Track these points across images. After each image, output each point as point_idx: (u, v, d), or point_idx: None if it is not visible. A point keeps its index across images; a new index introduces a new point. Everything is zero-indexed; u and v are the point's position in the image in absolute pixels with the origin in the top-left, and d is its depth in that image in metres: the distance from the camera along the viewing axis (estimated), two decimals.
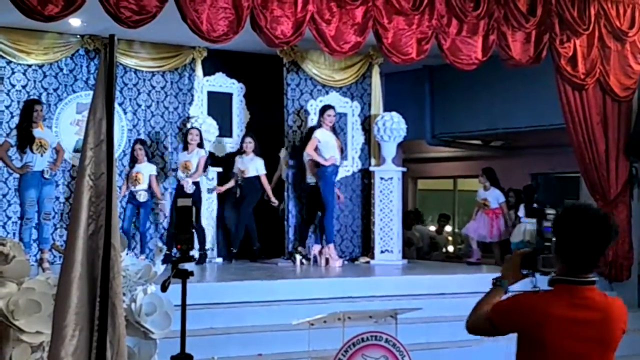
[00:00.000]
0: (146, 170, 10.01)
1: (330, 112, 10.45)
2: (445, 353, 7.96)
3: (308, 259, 10.41)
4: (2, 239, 4.39)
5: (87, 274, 2.94)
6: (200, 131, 10.16)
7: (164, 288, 4.58)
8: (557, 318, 3.08)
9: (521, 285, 3.35)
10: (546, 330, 3.08)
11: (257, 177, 10.38)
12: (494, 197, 11.13)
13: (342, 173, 10.94)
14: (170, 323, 5.16)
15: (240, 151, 10.54)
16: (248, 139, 10.51)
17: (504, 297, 3.32)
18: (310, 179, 10.48)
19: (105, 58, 2.92)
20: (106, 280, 2.91)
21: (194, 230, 9.48)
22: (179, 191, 9.88)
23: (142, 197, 9.90)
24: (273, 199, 10.47)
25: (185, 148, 10.09)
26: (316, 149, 10.27)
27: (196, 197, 9.78)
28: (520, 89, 11.27)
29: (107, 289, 2.92)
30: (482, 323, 3.28)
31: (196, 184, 9.92)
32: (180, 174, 9.99)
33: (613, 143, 9.79)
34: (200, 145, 10.03)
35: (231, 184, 10.46)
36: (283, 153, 10.83)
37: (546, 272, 3.27)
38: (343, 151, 10.77)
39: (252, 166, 10.37)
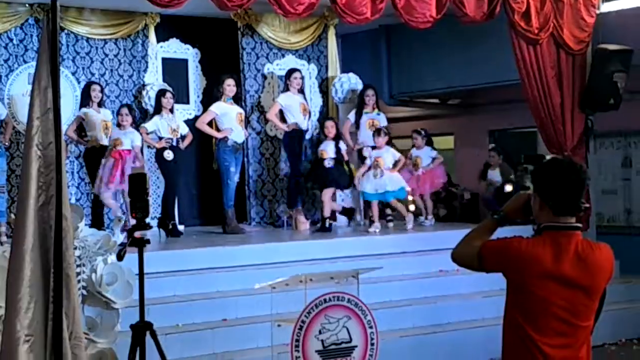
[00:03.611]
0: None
1: (296, 74, 10.42)
2: (407, 310, 8.04)
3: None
4: None
5: (39, 245, 2.89)
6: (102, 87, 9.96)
7: (119, 257, 4.56)
8: (543, 264, 3.23)
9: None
10: (531, 275, 3.23)
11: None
12: None
13: None
14: (132, 292, 5.15)
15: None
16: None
17: (495, 236, 3.45)
18: None
19: (47, 24, 2.85)
20: (59, 252, 2.87)
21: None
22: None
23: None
24: None
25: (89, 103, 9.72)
26: (281, 114, 10.26)
27: None
28: (475, 46, 11.28)
29: (61, 260, 2.88)
30: (470, 257, 3.42)
31: None
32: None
33: (568, 96, 9.85)
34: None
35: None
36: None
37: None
38: (310, 114, 10.74)
39: None
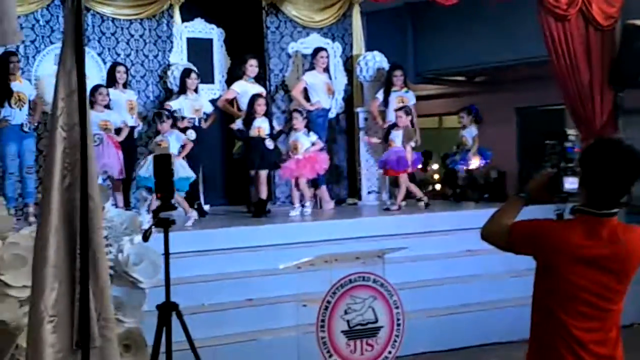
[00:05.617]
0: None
1: (322, 53, 10.40)
2: (433, 290, 8.01)
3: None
4: None
5: (65, 227, 2.89)
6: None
7: (145, 238, 4.57)
8: (574, 248, 3.13)
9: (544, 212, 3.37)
10: (562, 258, 3.15)
11: None
12: None
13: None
14: (158, 272, 5.16)
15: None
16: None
17: (522, 217, 3.33)
18: None
19: (72, 5, 2.84)
20: (85, 232, 2.87)
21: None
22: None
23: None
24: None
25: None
26: (306, 93, 10.22)
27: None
28: (502, 22, 11.17)
29: (87, 241, 2.88)
30: (499, 235, 3.33)
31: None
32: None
33: (597, 73, 9.71)
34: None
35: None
36: None
37: (571, 194, 3.30)
38: (334, 94, 10.70)
39: None
